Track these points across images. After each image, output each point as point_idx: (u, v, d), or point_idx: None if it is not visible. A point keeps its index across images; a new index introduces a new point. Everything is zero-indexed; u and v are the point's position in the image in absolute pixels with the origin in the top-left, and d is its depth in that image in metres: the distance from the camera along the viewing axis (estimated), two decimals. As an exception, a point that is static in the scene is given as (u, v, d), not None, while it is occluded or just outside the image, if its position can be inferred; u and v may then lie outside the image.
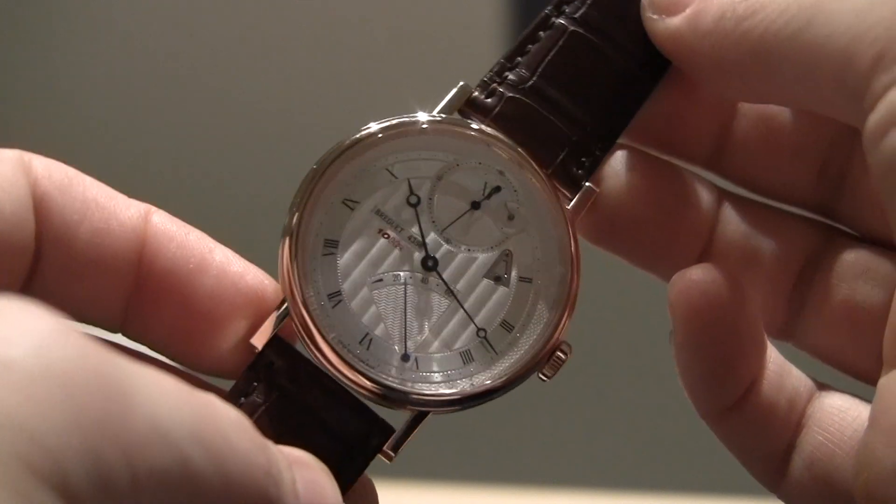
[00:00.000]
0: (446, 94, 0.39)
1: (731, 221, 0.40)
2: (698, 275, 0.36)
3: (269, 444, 0.29)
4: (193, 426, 0.25)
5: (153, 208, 0.36)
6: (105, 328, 0.37)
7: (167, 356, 0.37)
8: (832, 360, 0.40)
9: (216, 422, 0.26)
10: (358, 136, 0.37)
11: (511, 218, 0.38)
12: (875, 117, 0.31)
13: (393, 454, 0.36)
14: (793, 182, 0.41)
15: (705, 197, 0.40)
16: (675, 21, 0.37)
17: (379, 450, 0.36)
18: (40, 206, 0.34)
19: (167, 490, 0.24)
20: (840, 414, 0.38)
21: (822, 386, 0.39)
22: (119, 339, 0.37)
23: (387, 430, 0.36)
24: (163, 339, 0.36)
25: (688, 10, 0.37)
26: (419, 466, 1.12)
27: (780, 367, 0.38)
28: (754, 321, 0.37)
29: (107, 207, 0.35)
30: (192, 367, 0.37)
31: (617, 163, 0.39)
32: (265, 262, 0.38)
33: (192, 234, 0.36)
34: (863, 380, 0.39)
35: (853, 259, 0.39)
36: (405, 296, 0.37)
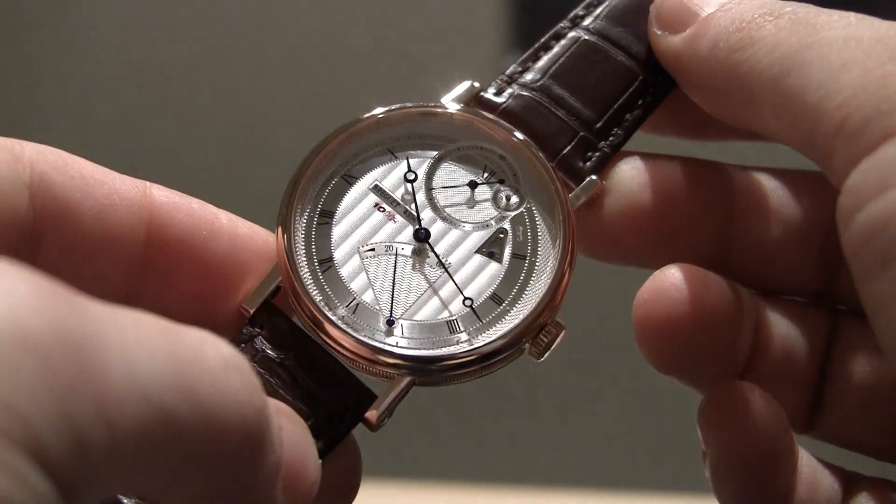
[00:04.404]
0: (446, 90, 0.40)
1: (773, 322, 0.40)
2: (737, 394, 0.36)
3: (261, 385, 0.28)
4: (174, 375, 0.24)
5: (148, 182, 0.37)
6: (111, 301, 0.36)
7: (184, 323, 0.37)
8: (854, 445, 0.39)
9: (201, 365, 0.25)
10: (362, 117, 0.39)
11: (508, 199, 0.39)
12: (843, 200, 0.31)
13: (375, 423, 0.36)
14: (797, 270, 0.40)
15: (748, 299, 0.39)
16: (676, 41, 0.38)
17: (360, 418, 0.36)
18: (39, 186, 0.34)
19: (149, 444, 0.24)
20: None
21: (854, 475, 0.38)
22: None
23: (370, 398, 0.36)
24: (179, 307, 0.36)
25: (687, 32, 0.38)
26: (416, 466, 1.13)
27: (814, 469, 0.38)
28: (787, 434, 0.37)
29: (106, 183, 0.36)
30: (213, 331, 0.37)
31: (668, 277, 0.38)
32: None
33: (194, 203, 0.37)
34: (888, 460, 0.38)
35: (862, 339, 0.39)
36: (395, 265, 0.38)
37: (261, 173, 0.89)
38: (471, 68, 1.31)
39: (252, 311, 0.36)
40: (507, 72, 0.40)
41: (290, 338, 0.36)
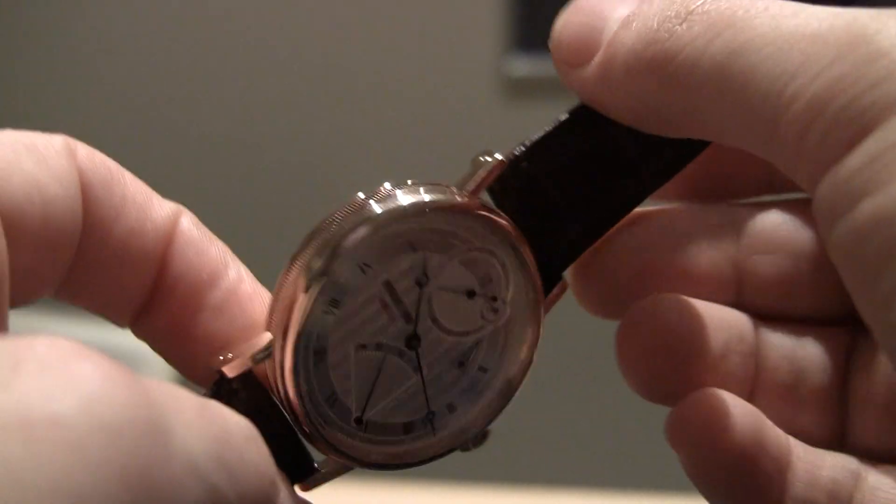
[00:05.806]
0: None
1: (772, 346, 0.38)
2: (699, 405, 0.35)
3: (270, 455, 0.29)
4: (218, 453, 0.25)
5: (183, 210, 0.36)
6: (115, 324, 0.36)
7: (164, 357, 0.37)
8: (888, 458, 0.38)
9: (231, 440, 0.26)
10: (389, 208, 0.36)
11: (495, 311, 0.38)
12: (819, 206, 0.28)
13: (305, 491, 0.37)
14: (815, 298, 0.39)
15: (746, 328, 0.38)
16: (586, 74, 0.34)
17: (298, 483, 0.37)
18: (84, 199, 0.33)
19: None
20: (893, 491, 0.36)
21: (862, 464, 0.37)
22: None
23: (309, 468, 0.37)
24: (163, 340, 0.36)
25: (595, 61, 0.33)
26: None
27: (811, 463, 0.37)
28: (764, 433, 0.36)
29: (143, 207, 0.34)
30: (184, 373, 0.37)
31: (645, 308, 0.37)
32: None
33: (213, 245, 0.36)
34: None
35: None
36: (381, 365, 0.37)
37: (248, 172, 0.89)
38: (471, 68, 1.31)
39: (231, 377, 0.35)
40: (516, 151, 0.37)
41: (261, 407, 0.36)
